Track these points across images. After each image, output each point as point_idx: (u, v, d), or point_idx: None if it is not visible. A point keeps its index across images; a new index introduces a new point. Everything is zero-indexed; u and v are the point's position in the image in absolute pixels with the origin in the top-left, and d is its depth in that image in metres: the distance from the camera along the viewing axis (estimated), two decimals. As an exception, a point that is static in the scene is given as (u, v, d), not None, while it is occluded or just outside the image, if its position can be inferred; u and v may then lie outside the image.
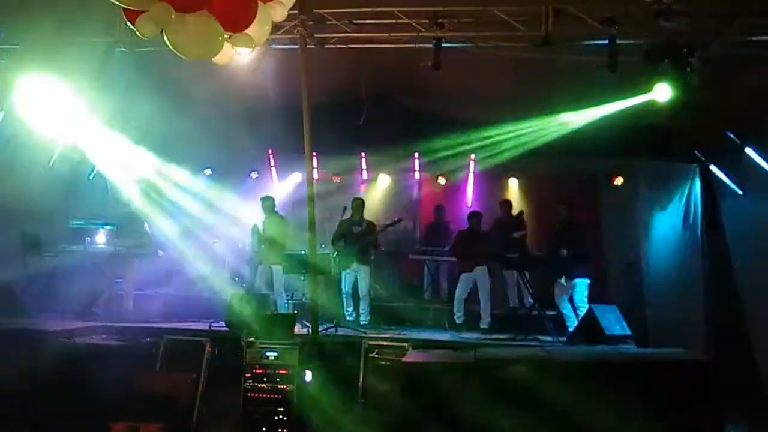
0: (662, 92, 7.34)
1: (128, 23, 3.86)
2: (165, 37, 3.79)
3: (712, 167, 8.97)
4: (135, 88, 8.07)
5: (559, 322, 8.52)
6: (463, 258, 9.14)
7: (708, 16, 6.18)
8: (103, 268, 9.17)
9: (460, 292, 9.02)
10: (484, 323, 8.78)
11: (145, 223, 9.38)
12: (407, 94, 10.07)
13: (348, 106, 9.31)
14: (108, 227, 9.04)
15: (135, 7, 3.73)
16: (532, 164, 10.48)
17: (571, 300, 8.42)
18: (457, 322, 8.96)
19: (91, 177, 10.82)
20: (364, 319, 8.88)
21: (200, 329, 8.14)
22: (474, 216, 9.39)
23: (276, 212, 9.79)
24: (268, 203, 9.64)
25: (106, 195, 10.94)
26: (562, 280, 8.49)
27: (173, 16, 3.60)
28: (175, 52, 3.84)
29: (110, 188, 10.99)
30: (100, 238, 9.01)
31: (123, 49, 7.33)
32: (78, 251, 8.90)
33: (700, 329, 8.38)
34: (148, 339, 7.80)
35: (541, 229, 9.95)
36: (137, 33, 3.76)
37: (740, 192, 8.51)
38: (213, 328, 8.14)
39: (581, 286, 8.37)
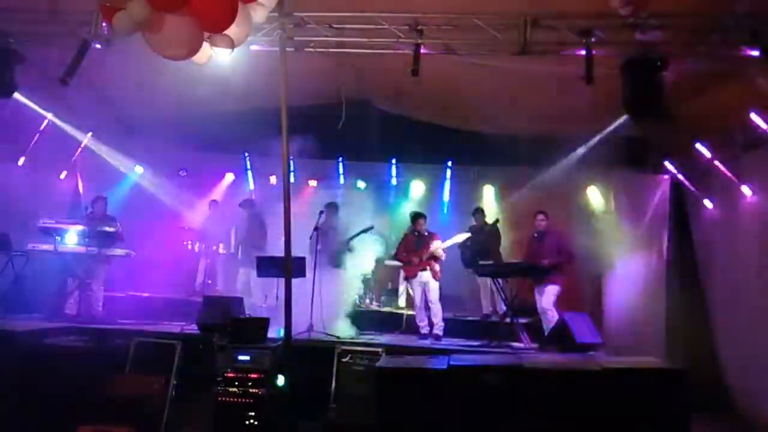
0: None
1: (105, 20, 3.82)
2: (143, 36, 3.76)
3: (682, 178, 9.15)
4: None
5: (533, 329, 8.59)
6: (406, 263, 8.98)
7: (683, 30, 6.31)
8: (74, 269, 9.00)
9: (417, 299, 8.76)
10: (438, 329, 8.52)
11: (117, 224, 9.23)
12: (386, 100, 10.10)
13: (327, 111, 9.28)
14: (78, 227, 8.85)
15: (112, 4, 3.69)
16: (507, 172, 10.59)
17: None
18: (422, 331, 8.68)
19: (62, 177, 10.65)
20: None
21: (171, 332, 8.02)
22: (417, 216, 9.07)
23: (257, 215, 9.78)
24: (250, 206, 9.65)
25: (77, 195, 10.78)
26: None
27: (151, 15, 3.57)
28: (154, 50, 3.82)
29: (81, 188, 10.83)
30: (71, 238, 8.82)
31: (98, 45, 7.21)
32: (47, 251, 8.72)
33: (661, 338, 8.52)
34: (118, 341, 7.66)
35: (517, 236, 10.04)
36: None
37: (709, 203, 8.69)
38: (184, 331, 8.03)
39: (548, 293, 8.45)
